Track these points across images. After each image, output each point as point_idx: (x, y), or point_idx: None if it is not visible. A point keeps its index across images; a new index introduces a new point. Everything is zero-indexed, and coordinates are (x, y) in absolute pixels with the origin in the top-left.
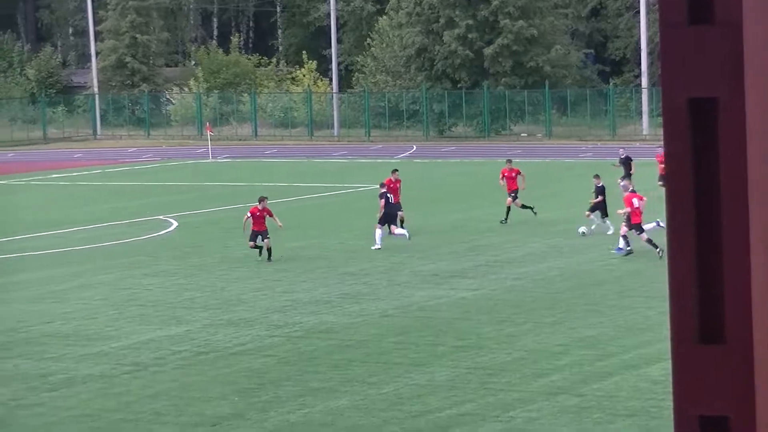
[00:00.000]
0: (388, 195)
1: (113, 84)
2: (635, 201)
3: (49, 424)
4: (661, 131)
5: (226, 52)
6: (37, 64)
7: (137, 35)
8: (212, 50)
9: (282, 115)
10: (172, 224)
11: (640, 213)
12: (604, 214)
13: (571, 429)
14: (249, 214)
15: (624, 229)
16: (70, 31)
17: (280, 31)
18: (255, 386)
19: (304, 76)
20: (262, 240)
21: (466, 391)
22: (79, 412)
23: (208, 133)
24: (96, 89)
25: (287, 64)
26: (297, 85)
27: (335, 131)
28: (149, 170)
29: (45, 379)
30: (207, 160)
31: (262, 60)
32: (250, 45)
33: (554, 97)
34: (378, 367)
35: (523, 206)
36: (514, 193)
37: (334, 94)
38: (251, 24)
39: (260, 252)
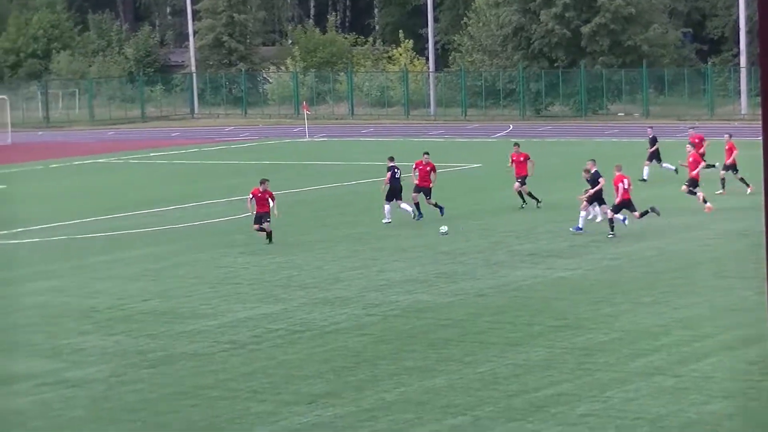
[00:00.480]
0: (396, 170)
1: (210, 63)
2: (625, 182)
3: (148, 400)
4: (759, 111)
5: (323, 31)
6: (135, 44)
7: (234, 14)
8: (309, 29)
9: (378, 95)
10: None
11: (627, 192)
12: (594, 203)
13: (668, 410)
14: (251, 195)
15: (609, 212)
16: (168, 10)
17: (376, 10)
18: (351, 365)
19: (400, 55)
20: (264, 222)
21: (563, 371)
22: (176, 389)
23: (305, 112)
24: (193, 68)
25: (384, 43)
26: (393, 65)
27: (432, 110)
28: (246, 149)
29: (144, 356)
30: (304, 139)
31: (358, 39)
32: (347, 24)
33: (652, 77)
34: (474, 346)
35: (530, 195)
36: (521, 178)
37: (431, 74)
38: (348, 3)
39: (267, 236)
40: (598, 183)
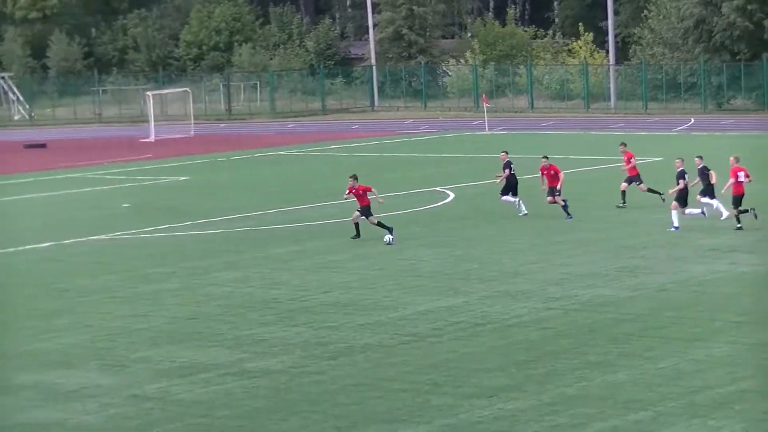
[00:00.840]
0: (512, 166)
1: (390, 56)
2: (741, 174)
3: (329, 392)
4: None
5: (502, 24)
6: (316, 36)
7: (414, 7)
8: (488, 22)
9: (558, 88)
10: (449, 196)
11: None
12: (712, 196)
13: None
14: (349, 192)
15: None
16: (348, 3)
17: (556, 3)
18: (532, 358)
19: (580, 48)
20: (366, 218)
21: (747, 368)
22: (357, 381)
23: (485, 105)
24: (373, 61)
25: (563, 36)
26: (573, 57)
27: (612, 103)
28: (426, 142)
29: (325, 348)
30: (483, 132)
31: (537, 32)
32: (526, 17)
33: None
34: (655, 341)
35: (650, 190)
36: (632, 179)
37: (611, 67)
38: None
39: (358, 234)
40: (678, 183)
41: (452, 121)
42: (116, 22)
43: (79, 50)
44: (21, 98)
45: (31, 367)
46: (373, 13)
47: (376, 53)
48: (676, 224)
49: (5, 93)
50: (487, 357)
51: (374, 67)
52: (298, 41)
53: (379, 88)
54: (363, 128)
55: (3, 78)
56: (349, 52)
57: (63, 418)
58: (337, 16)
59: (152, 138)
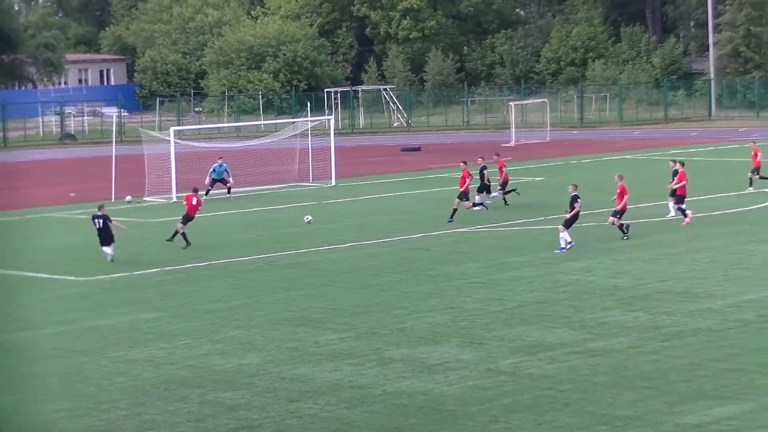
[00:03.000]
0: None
1: (728, 71)
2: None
3: (662, 370)
4: None
5: None
6: (662, 53)
7: (752, 27)
8: None
9: None
10: None
11: None
12: None
13: None
14: None
15: None
16: (692, 23)
17: None
18: None
19: None
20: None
21: None
22: (688, 361)
23: None
24: (712, 75)
25: None
26: None
27: None
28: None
29: (659, 331)
30: None
31: None
32: None
33: None
34: None
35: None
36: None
37: None
38: None
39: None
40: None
41: None
42: (485, 41)
43: (452, 65)
44: (400, 107)
45: (401, 342)
46: (713, 32)
47: (715, 69)
48: None
49: (386, 103)
50: None
51: (713, 81)
52: (645, 57)
53: (716, 99)
54: (701, 135)
55: (385, 90)
56: (691, 67)
57: (427, 388)
58: (681, 35)
59: (513, 143)
